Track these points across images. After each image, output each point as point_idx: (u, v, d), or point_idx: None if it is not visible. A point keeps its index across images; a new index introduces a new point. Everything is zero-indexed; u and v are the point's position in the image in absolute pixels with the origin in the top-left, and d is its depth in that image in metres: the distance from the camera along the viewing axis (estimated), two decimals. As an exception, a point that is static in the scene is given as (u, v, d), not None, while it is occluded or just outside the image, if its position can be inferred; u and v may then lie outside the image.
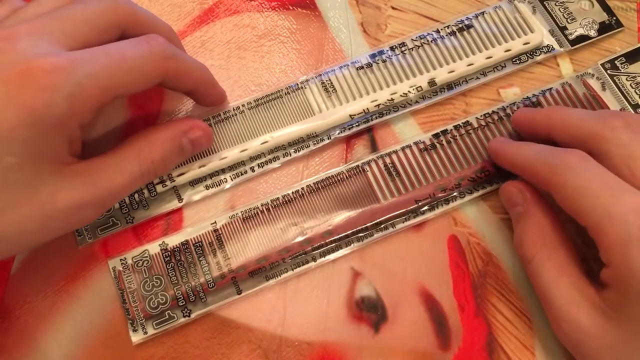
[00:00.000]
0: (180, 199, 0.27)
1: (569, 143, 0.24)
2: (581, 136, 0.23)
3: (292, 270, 0.26)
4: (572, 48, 0.30)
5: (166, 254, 0.26)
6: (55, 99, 0.20)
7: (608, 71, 0.29)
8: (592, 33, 0.30)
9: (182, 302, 0.25)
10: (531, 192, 0.24)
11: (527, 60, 0.29)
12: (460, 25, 0.30)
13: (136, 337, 0.25)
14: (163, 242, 0.26)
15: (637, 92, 0.29)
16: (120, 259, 0.26)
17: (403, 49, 0.29)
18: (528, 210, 0.24)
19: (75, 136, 0.22)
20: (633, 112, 0.28)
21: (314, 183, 0.27)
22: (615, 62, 0.29)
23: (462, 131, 0.28)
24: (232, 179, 0.27)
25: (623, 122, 0.22)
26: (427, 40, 0.29)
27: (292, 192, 0.27)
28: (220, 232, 0.26)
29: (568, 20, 0.30)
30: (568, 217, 0.22)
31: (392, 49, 0.29)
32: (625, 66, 0.29)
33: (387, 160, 0.28)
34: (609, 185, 0.21)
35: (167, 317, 0.25)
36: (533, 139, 0.26)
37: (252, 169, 0.27)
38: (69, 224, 0.22)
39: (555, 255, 0.23)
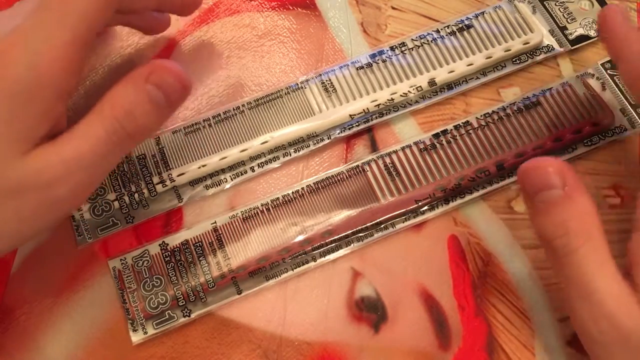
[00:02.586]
0: (180, 199, 0.27)
1: None
2: None
3: (292, 270, 0.26)
4: (572, 48, 0.30)
5: (166, 254, 0.26)
6: (19, 71, 0.19)
7: (608, 71, 0.29)
8: (592, 33, 0.30)
9: (182, 302, 0.25)
10: (573, 174, 0.21)
11: (527, 60, 0.29)
12: (460, 25, 0.30)
13: (136, 337, 0.25)
14: (163, 242, 0.26)
15: (637, 92, 0.29)
16: (120, 259, 0.26)
17: (403, 49, 0.29)
18: (571, 194, 0.21)
19: (55, 110, 0.20)
20: None
21: (314, 183, 0.27)
22: (615, 62, 0.29)
23: (462, 131, 0.28)
24: (232, 179, 0.27)
25: None
26: (427, 40, 0.30)
27: (292, 192, 0.27)
28: (220, 232, 0.26)
29: (568, 20, 0.30)
30: None
31: (392, 49, 0.29)
32: (625, 66, 0.29)
33: (387, 160, 0.28)
34: None
35: (167, 317, 0.25)
36: None
37: (252, 169, 0.27)
38: (46, 209, 0.21)
39: (600, 246, 0.21)
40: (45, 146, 0.20)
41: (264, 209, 0.27)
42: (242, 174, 0.27)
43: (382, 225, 0.26)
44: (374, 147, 0.28)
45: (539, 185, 0.22)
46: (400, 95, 0.28)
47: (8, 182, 0.20)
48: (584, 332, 0.21)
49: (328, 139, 0.28)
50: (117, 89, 0.21)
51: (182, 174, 0.27)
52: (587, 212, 0.21)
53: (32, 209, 0.20)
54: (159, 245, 0.26)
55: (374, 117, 0.28)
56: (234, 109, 0.28)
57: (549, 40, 0.30)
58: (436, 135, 0.28)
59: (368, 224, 0.26)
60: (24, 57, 0.19)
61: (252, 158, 0.28)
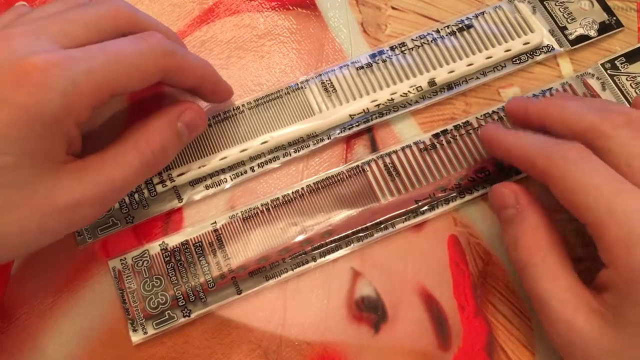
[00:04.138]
0: (180, 199, 0.27)
1: (566, 136, 0.23)
2: (580, 130, 0.22)
3: (292, 270, 0.26)
4: (572, 48, 0.30)
5: (166, 254, 0.26)
6: (50, 96, 0.19)
7: (608, 71, 0.29)
8: (592, 33, 0.30)
9: (182, 302, 0.25)
10: (525, 194, 0.23)
11: (527, 60, 0.29)
12: (460, 25, 0.30)
13: (136, 337, 0.25)
14: (163, 242, 0.26)
15: (637, 92, 0.29)
16: (120, 259, 0.26)
17: (403, 49, 0.29)
18: (521, 212, 0.23)
19: (73, 135, 0.21)
20: (629, 107, 0.27)
21: (314, 183, 0.27)
22: (615, 62, 0.29)
23: (462, 131, 0.28)
24: (232, 179, 0.27)
25: (624, 120, 0.22)
26: (427, 40, 0.29)
27: (292, 192, 0.27)
28: (220, 232, 0.26)
29: (568, 20, 0.30)
30: (564, 216, 0.22)
31: (392, 49, 0.29)
32: (625, 66, 0.29)
33: (387, 160, 0.28)
34: (612, 183, 0.20)
35: (167, 317, 0.25)
36: (527, 129, 0.25)
37: (252, 169, 0.27)
38: (70, 223, 0.22)
39: (550, 259, 0.22)
40: (77, 166, 0.21)
41: (264, 209, 0.27)
42: (242, 174, 0.27)
43: (382, 225, 0.26)
44: (374, 147, 0.28)
45: (498, 206, 0.24)
46: (400, 95, 0.28)
47: (37, 197, 0.20)
48: (549, 340, 0.22)
49: (328, 139, 0.28)
50: (152, 126, 0.23)
51: (182, 174, 0.27)
52: (536, 227, 0.22)
53: (57, 224, 0.21)
54: (159, 245, 0.26)
55: (374, 117, 0.28)
56: (234, 109, 0.28)
57: (549, 40, 0.30)
58: (436, 135, 0.28)
59: (368, 224, 0.26)
60: (62, 83, 0.20)
61: (252, 158, 0.28)
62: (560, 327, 0.21)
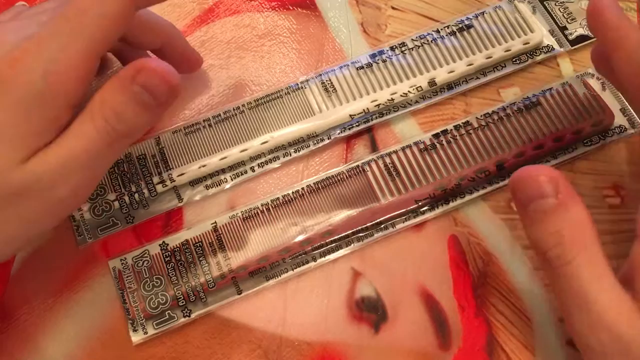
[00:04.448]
0: (180, 199, 0.27)
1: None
2: None
3: (292, 270, 0.26)
4: (572, 48, 0.30)
5: (166, 254, 0.26)
6: (32, 78, 0.19)
7: (608, 71, 0.29)
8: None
9: (182, 302, 0.25)
10: (566, 183, 0.21)
11: (527, 60, 0.29)
12: (460, 25, 0.30)
13: (136, 337, 0.25)
14: (163, 242, 0.26)
15: (637, 92, 0.29)
16: (120, 259, 0.26)
17: (403, 49, 0.29)
18: (564, 203, 0.21)
19: (64, 119, 0.21)
20: None
21: (314, 183, 0.27)
22: (615, 62, 0.29)
23: (462, 131, 0.28)
24: (232, 179, 0.27)
25: None
26: (427, 40, 0.30)
27: (292, 192, 0.27)
28: (220, 232, 0.26)
29: (568, 20, 0.30)
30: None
31: (392, 49, 0.29)
32: (625, 66, 0.29)
33: (387, 160, 0.28)
34: None
35: (167, 317, 0.25)
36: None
37: (252, 169, 0.27)
38: (49, 209, 0.21)
39: (596, 257, 0.20)
40: (45, 150, 0.21)
41: (264, 209, 0.27)
42: (242, 174, 0.27)
43: (382, 225, 0.26)
44: (374, 147, 0.28)
45: (532, 195, 0.21)
46: (400, 95, 0.28)
47: (10, 187, 0.20)
48: (583, 342, 0.21)
49: (328, 139, 0.28)
50: (105, 89, 0.21)
51: (182, 174, 0.27)
52: (582, 221, 0.21)
53: (35, 212, 0.21)
54: (159, 245, 0.26)
55: (374, 117, 0.28)
56: (234, 109, 0.28)
57: (549, 40, 0.30)
58: (436, 135, 0.28)
59: (368, 224, 0.26)
60: (39, 64, 0.20)
61: (252, 158, 0.28)
62: (602, 331, 0.20)
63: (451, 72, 0.29)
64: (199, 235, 0.26)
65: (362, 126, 0.28)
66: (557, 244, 0.21)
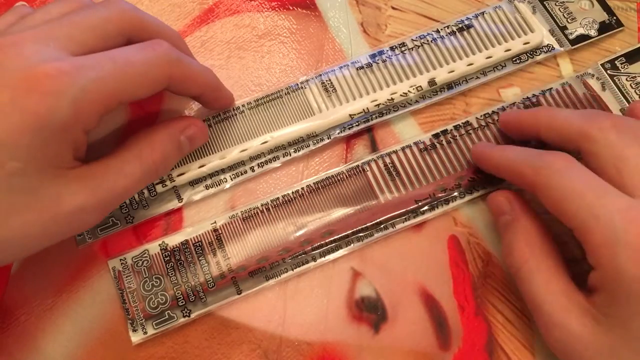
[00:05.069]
0: (180, 199, 0.27)
1: (557, 142, 0.24)
2: (569, 135, 0.23)
3: (292, 270, 0.26)
4: (572, 48, 0.30)
5: (166, 254, 0.26)
6: (60, 104, 0.20)
7: (608, 71, 0.29)
8: (592, 33, 0.30)
9: (182, 302, 0.25)
10: (519, 201, 0.24)
11: (527, 60, 0.29)
12: (460, 25, 0.30)
13: (136, 337, 0.25)
14: (163, 242, 0.26)
15: (637, 92, 0.29)
16: (120, 259, 0.26)
17: (403, 49, 0.29)
18: (516, 219, 0.24)
19: (80, 141, 0.21)
20: (620, 115, 0.28)
21: (314, 183, 0.27)
22: (615, 62, 0.29)
23: (462, 131, 0.28)
24: (232, 179, 0.27)
25: (611, 123, 0.22)
26: (427, 40, 0.29)
27: (292, 192, 0.27)
28: (220, 232, 0.26)
29: (568, 20, 0.30)
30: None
31: (392, 49, 0.29)
32: (625, 66, 0.29)
33: (387, 160, 0.28)
34: (594, 187, 0.21)
35: (167, 317, 0.25)
36: (521, 141, 0.26)
37: (252, 169, 0.27)
38: (72, 228, 0.22)
39: (543, 264, 0.23)
40: (82, 173, 0.22)
41: (264, 209, 0.27)
42: (242, 174, 0.27)
43: (382, 225, 0.26)
44: (374, 147, 0.28)
45: (495, 212, 0.25)
46: (400, 95, 0.28)
47: (43, 203, 0.20)
48: (545, 340, 0.22)
49: (328, 139, 0.28)
50: (156, 137, 0.24)
51: (182, 174, 0.27)
52: (530, 232, 0.23)
53: (59, 228, 0.21)
54: (159, 245, 0.26)
55: (374, 117, 0.28)
56: (234, 109, 0.28)
57: (549, 40, 0.30)
58: (436, 135, 0.28)
59: (368, 224, 0.26)
60: (71, 91, 0.20)
61: (252, 158, 0.28)
62: (554, 329, 0.22)
63: (451, 72, 0.29)
64: (199, 235, 0.26)
65: (362, 126, 0.28)
66: (508, 254, 0.24)
